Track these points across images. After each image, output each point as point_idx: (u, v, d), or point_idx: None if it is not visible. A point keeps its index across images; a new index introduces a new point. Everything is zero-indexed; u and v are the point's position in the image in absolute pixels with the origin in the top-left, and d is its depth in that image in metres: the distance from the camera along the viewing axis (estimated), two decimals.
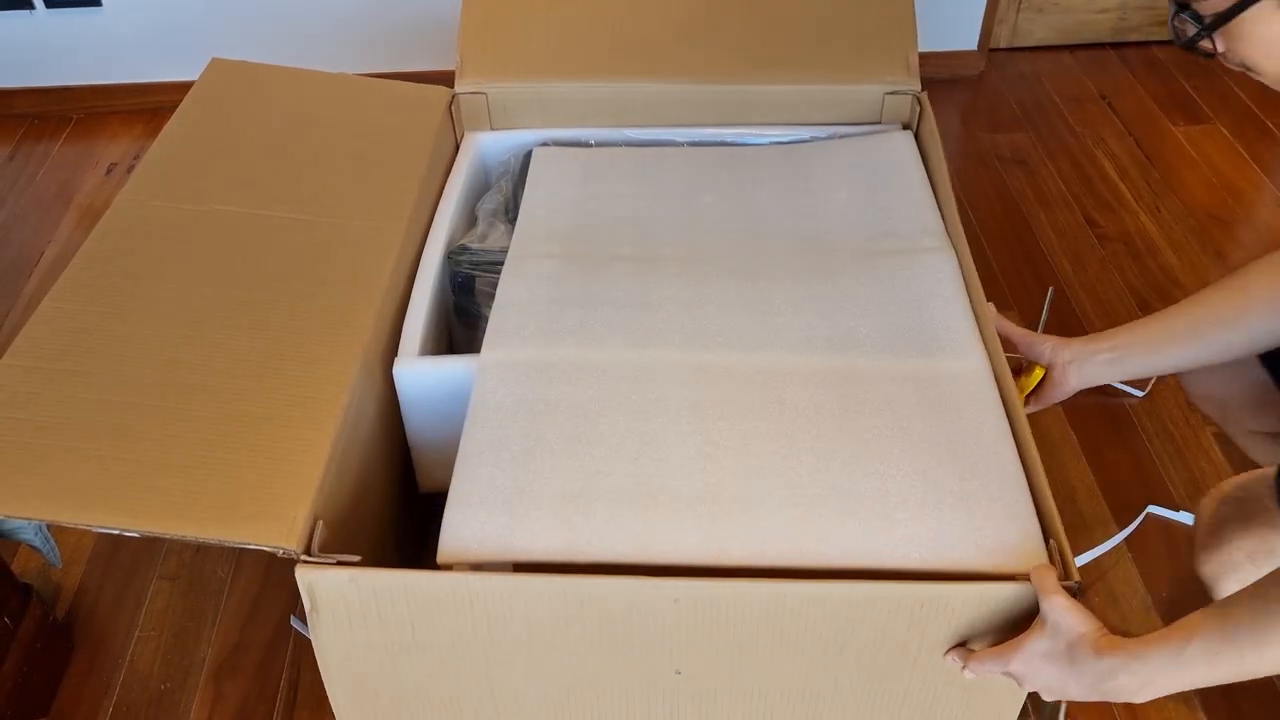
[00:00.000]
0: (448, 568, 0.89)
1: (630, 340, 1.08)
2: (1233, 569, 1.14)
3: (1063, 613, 0.79)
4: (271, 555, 0.87)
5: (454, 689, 0.90)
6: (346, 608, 0.85)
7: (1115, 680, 0.77)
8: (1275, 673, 0.76)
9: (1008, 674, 0.82)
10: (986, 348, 1.06)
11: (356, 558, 0.87)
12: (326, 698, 0.94)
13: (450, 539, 0.91)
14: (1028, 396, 1.08)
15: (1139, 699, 0.77)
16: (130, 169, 1.84)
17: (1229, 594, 0.84)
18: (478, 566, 0.90)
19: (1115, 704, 1.27)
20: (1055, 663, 0.79)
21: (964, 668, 0.84)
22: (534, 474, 0.95)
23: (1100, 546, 1.42)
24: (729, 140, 1.41)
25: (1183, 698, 1.27)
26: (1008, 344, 1.08)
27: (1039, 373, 1.07)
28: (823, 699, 0.89)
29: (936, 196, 1.27)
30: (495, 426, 1.00)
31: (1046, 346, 1.05)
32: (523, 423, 1.00)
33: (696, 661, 0.86)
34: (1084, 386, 1.04)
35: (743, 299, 1.13)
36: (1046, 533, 0.88)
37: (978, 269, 1.14)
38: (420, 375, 1.10)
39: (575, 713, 0.92)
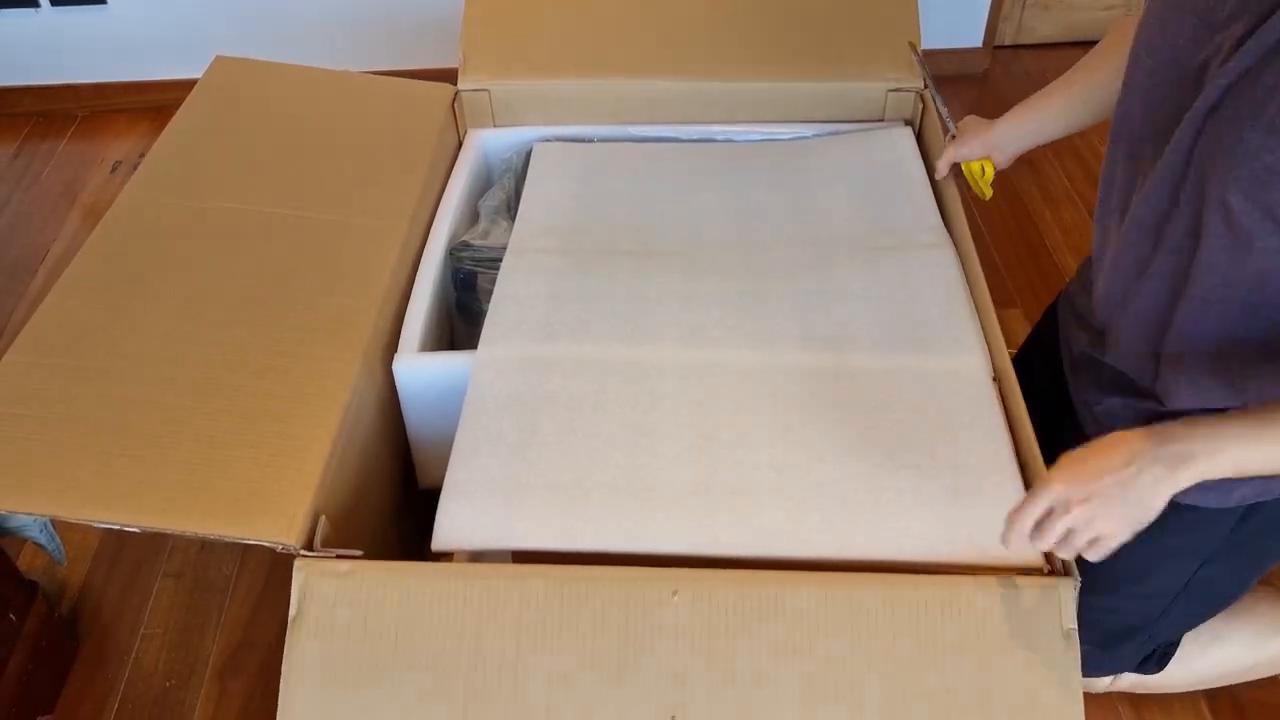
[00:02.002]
0: (445, 556, 0.89)
1: (626, 335, 1.08)
2: None
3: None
4: (276, 552, 0.87)
5: None
6: (332, 617, 0.84)
7: (1185, 444, 0.74)
8: None
9: (1062, 507, 0.76)
10: (987, 343, 1.06)
11: (358, 552, 0.87)
12: None
13: (446, 528, 0.91)
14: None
15: (1202, 467, 0.74)
16: (135, 167, 1.85)
17: None
18: (476, 556, 0.90)
19: (1119, 702, 1.26)
20: (1092, 466, 0.75)
21: (1006, 535, 0.79)
22: (529, 465, 0.95)
23: None
24: (733, 138, 1.41)
25: (1191, 704, 1.26)
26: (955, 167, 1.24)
27: (989, 166, 1.21)
28: (826, 695, 0.89)
29: (938, 193, 1.27)
30: (491, 419, 1.00)
31: (978, 144, 1.18)
32: (518, 415, 1.00)
33: (695, 656, 0.86)
34: (1019, 155, 1.18)
35: (739, 294, 1.13)
36: None
37: (983, 266, 1.13)
38: (420, 371, 1.10)
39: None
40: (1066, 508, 0.75)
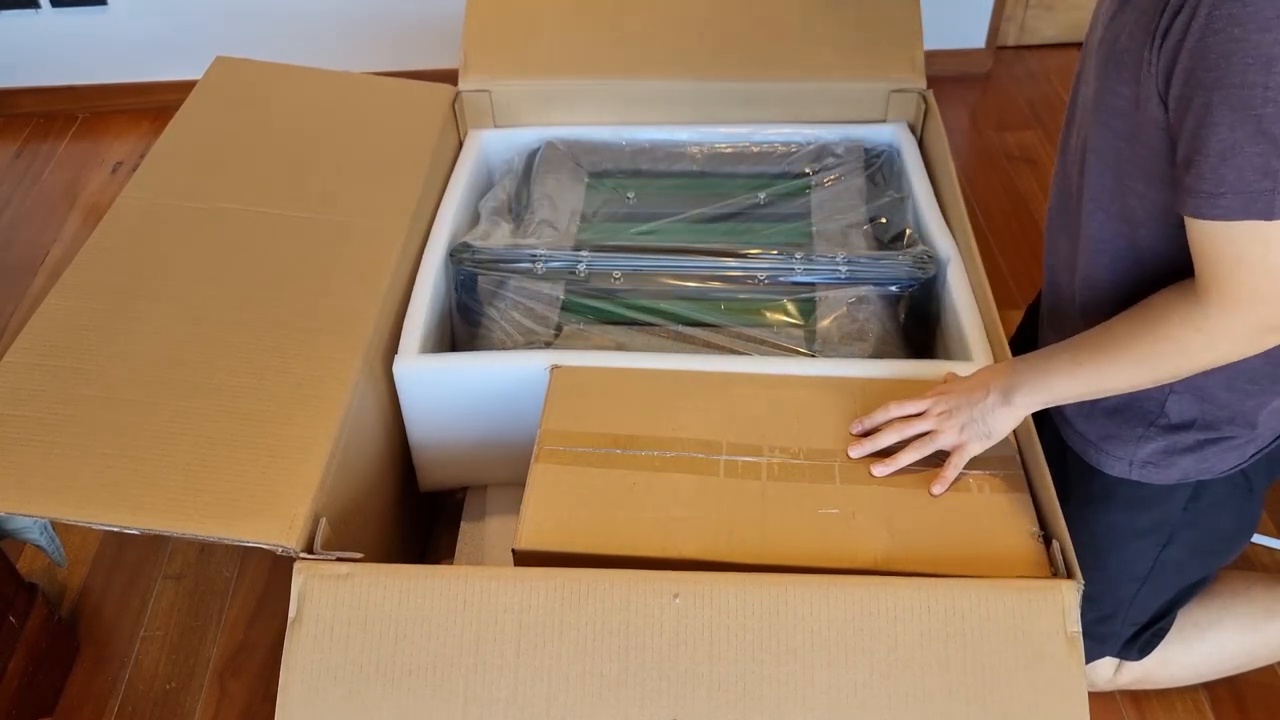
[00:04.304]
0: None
1: None
2: None
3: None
4: (277, 554, 0.87)
5: None
6: (332, 619, 0.84)
7: (1016, 379, 0.90)
8: (1123, 390, 0.87)
9: (929, 413, 0.93)
10: (990, 346, 1.06)
11: (358, 555, 0.87)
12: None
13: None
14: None
15: (1031, 400, 0.90)
16: (136, 167, 1.84)
17: None
18: None
19: (1122, 701, 1.26)
20: (960, 387, 0.94)
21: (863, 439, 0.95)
22: None
23: None
24: (734, 139, 1.41)
25: (1193, 702, 1.26)
26: None
27: None
28: (827, 698, 0.89)
29: (941, 196, 1.27)
30: None
31: None
32: None
33: (697, 659, 0.86)
34: None
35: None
36: (1049, 534, 0.88)
37: (985, 268, 1.13)
38: (420, 373, 1.09)
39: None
40: (931, 413, 0.94)
